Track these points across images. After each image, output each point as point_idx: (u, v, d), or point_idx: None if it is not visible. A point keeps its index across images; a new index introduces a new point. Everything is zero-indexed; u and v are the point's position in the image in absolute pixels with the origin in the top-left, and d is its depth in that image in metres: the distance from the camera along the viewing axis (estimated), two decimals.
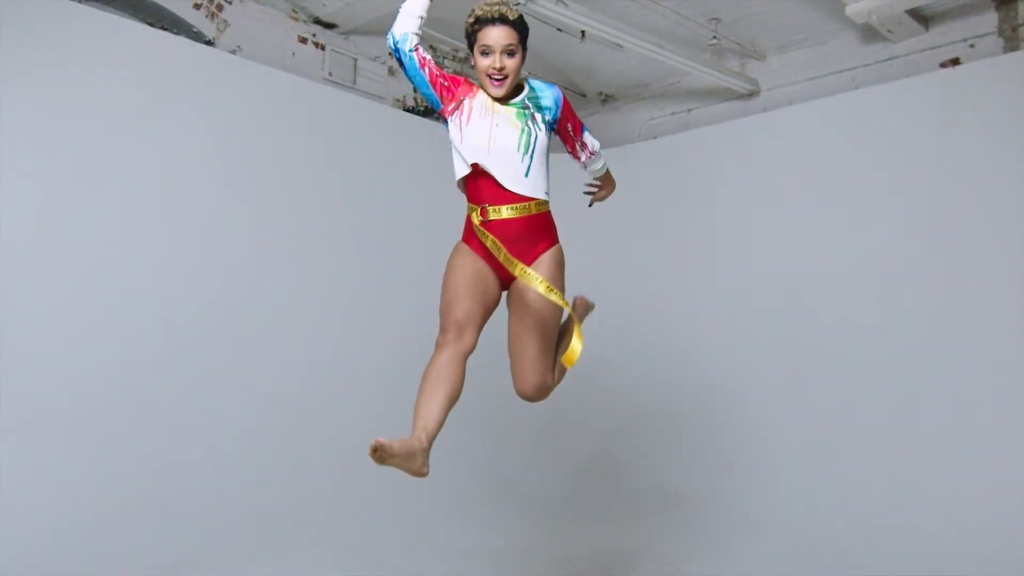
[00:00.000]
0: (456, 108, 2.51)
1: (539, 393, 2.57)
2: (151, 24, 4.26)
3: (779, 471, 4.54)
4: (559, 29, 5.19)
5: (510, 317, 2.59)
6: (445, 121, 2.56)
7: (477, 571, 3.58)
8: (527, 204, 2.50)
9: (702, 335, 5.15)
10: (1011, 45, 4.25)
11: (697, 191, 5.37)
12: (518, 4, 4.13)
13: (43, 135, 3.69)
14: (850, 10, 4.30)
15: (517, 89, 2.57)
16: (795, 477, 4.46)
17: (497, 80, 2.46)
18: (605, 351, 5.52)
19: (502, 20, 2.45)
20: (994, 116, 4.08)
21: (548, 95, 2.59)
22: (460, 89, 2.52)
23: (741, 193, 5.11)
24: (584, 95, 6.32)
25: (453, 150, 2.56)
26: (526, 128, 2.50)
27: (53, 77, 3.73)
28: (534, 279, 2.39)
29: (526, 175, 2.50)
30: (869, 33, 4.73)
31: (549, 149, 2.61)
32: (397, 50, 2.47)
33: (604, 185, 3.02)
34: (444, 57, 5.75)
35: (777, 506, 4.40)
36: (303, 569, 3.58)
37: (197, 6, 4.44)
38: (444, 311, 2.47)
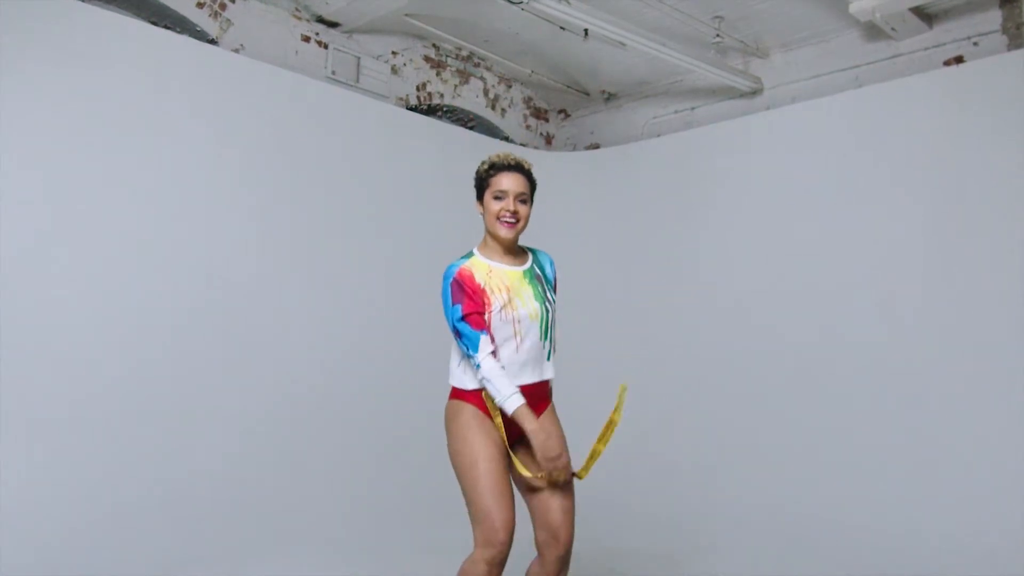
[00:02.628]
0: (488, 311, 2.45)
1: (571, 543, 2.47)
2: (154, 23, 4.27)
3: (779, 470, 4.54)
4: (562, 27, 5.19)
5: (521, 473, 2.46)
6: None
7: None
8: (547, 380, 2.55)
9: (704, 332, 5.15)
10: (1015, 43, 4.23)
11: (700, 189, 5.37)
12: (521, 3, 4.13)
13: (45, 134, 3.69)
14: (854, 8, 4.29)
15: (523, 253, 2.58)
16: (795, 477, 4.46)
17: (509, 223, 2.45)
18: (606, 348, 5.52)
19: (518, 168, 2.48)
20: (998, 114, 4.07)
21: (548, 265, 2.62)
22: (482, 297, 2.44)
23: (744, 191, 5.10)
24: (587, 93, 6.32)
25: (460, 358, 2.51)
26: (544, 311, 2.50)
27: (56, 76, 3.73)
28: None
29: (548, 358, 2.53)
30: (873, 31, 4.73)
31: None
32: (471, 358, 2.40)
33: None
34: (447, 56, 5.75)
35: (777, 506, 4.40)
36: (303, 569, 3.58)
37: (200, 5, 4.45)
38: (491, 514, 2.32)
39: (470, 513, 2.37)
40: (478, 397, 2.45)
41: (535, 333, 2.46)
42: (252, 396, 4.24)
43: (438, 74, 5.72)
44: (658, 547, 4.11)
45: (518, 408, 2.30)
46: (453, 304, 2.39)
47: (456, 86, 5.83)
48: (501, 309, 2.40)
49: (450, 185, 5.09)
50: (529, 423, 2.30)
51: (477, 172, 2.53)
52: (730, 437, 4.84)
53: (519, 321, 2.42)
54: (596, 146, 6.32)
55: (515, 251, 2.55)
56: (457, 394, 2.48)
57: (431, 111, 5.65)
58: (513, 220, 2.45)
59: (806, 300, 4.67)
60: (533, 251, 2.62)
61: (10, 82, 3.58)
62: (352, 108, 4.95)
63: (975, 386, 3.96)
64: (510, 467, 2.44)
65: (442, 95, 5.73)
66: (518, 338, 2.43)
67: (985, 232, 4.06)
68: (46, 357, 3.59)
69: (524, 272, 2.51)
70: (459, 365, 2.49)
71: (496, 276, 2.45)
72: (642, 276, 5.58)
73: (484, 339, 2.35)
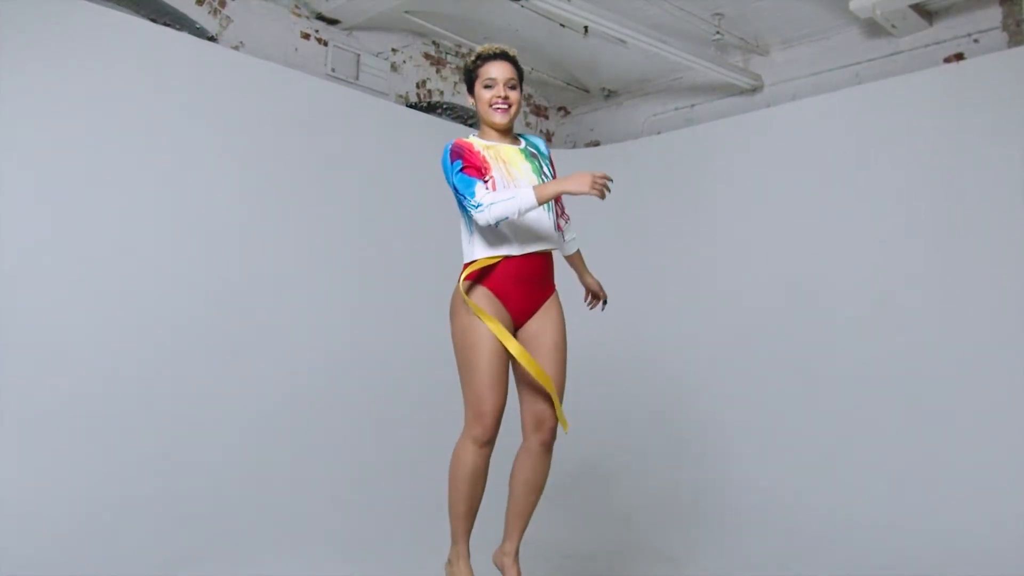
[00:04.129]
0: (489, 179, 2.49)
1: (554, 429, 2.55)
2: (154, 20, 4.26)
3: (780, 469, 4.54)
4: (562, 25, 5.19)
5: (532, 355, 2.50)
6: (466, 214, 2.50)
7: (477, 570, 3.57)
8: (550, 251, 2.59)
9: (703, 331, 5.14)
10: (1015, 40, 4.23)
11: (700, 187, 5.36)
12: (520, 0, 4.13)
13: (45, 132, 3.69)
14: (854, 5, 4.29)
15: (516, 140, 2.66)
16: (796, 476, 4.45)
17: (502, 108, 2.53)
18: (605, 347, 5.52)
19: (504, 56, 2.57)
20: (998, 111, 4.06)
21: (541, 144, 2.71)
22: (480, 162, 2.49)
23: (744, 189, 5.10)
24: (587, 91, 6.32)
25: (470, 230, 2.53)
26: (542, 179, 2.56)
27: (54, 73, 3.73)
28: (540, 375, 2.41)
29: (554, 228, 2.59)
30: (873, 28, 4.72)
31: None
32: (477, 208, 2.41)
33: (593, 288, 2.98)
34: (447, 53, 5.75)
35: (778, 505, 4.40)
36: (303, 568, 3.58)
37: (200, 2, 4.45)
38: (482, 395, 2.41)
39: (464, 392, 2.46)
40: (494, 277, 2.48)
41: (529, 175, 2.54)
42: (252, 394, 4.24)
43: (438, 71, 5.71)
44: (658, 547, 4.12)
45: (534, 193, 2.32)
46: (452, 162, 2.46)
47: (456, 83, 5.82)
48: (502, 178, 2.47)
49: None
50: (557, 185, 2.34)
51: (464, 66, 2.63)
52: (730, 435, 4.84)
53: (507, 164, 2.52)
54: (596, 143, 6.31)
55: (511, 136, 2.63)
56: (469, 275, 2.49)
57: (431, 108, 5.64)
58: (505, 105, 2.53)
59: (806, 297, 4.66)
60: (524, 136, 2.70)
61: (8, 79, 3.57)
62: (352, 105, 4.95)
63: (976, 384, 3.96)
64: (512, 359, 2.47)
65: (442, 92, 5.73)
66: (505, 174, 2.50)
67: (986, 229, 4.05)
68: (45, 355, 3.59)
69: (520, 150, 2.60)
70: (468, 239, 2.53)
71: (494, 151, 2.54)
72: (642, 273, 5.58)
73: (480, 183, 2.40)
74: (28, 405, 3.50)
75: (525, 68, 5.97)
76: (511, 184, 2.47)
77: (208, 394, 4.07)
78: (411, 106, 5.47)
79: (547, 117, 6.61)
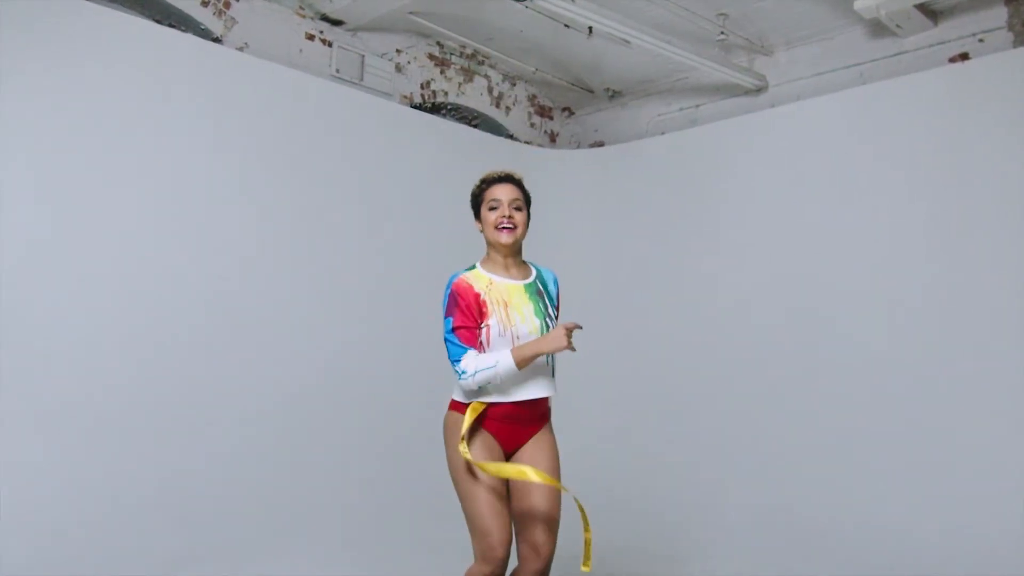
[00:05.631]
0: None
1: (551, 557, 2.46)
2: (158, 21, 4.27)
3: (780, 470, 4.53)
4: (567, 25, 5.19)
5: (515, 492, 2.47)
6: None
7: None
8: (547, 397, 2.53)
9: (708, 330, 5.14)
10: (1020, 40, 4.22)
11: (704, 186, 5.36)
12: (524, 1, 4.13)
13: (47, 132, 3.70)
14: (858, 5, 4.28)
15: (527, 268, 2.58)
16: (796, 476, 4.45)
17: (507, 228, 2.47)
18: (609, 347, 5.52)
19: (509, 179, 2.54)
20: (1003, 111, 4.05)
21: (550, 280, 2.61)
22: (481, 308, 2.44)
23: (749, 188, 5.10)
24: (591, 91, 6.32)
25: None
26: (544, 328, 2.46)
27: (60, 74, 3.74)
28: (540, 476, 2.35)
29: (551, 375, 2.52)
30: (877, 28, 4.71)
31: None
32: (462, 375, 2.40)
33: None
34: (451, 53, 5.75)
35: (778, 506, 4.40)
36: (303, 569, 3.59)
37: (205, 3, 4.46)
38: (488, 531, 2.35)
39: (469, 526, 2.41)
40: (485, 416, 2.45)
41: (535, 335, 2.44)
42: (253, 395, 4.24)
43: (442, 72, 5.72)
44: (658, 547, 4.11)
45: (513, 357, 2.32)
46: (446, 316, 2.42)
47: (460, 84, 5.83)
48: (499, 324, 2.41)
49: (454, 183, 5.06)
50: (533, 347, 2.33)
51: (472, 193, 2.58)
52: (732, 436, 4.84)
53: (518, 338, 2.41)
54: (600, 144, 6.31)
55: (518, 264, 2.55)
56: (456, 406, 2.48)
57: (435, 109, 5.65)
58: (511, 226, 2.47)
59: (810, 297, 4.66)
60: (536, 267, 2.62)
61: (12, 80, 3.58)
62: (356, 106, 4.95)
63: (977, 385, 3.95)
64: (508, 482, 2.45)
65: (446, 93, 5.73)
66: (512, 339, 2.42)
67: (989, 229, 4.04)
68: (46, 356, 3.59)
69: (525, 286, 2.51)
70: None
71: (496, 290, 2.45)
72: (646, 273, 5.58)
73: (469, 353, 2.36)
74: (28, 406, 3.51)
75: (529, 68, 6.00)
76: (508, 331, 2.40)
77: (208, 395, 4.08)
78: (415, 107, 5.47)
79: (551, 118, 6.61)
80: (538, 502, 2.43)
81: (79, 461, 3.60)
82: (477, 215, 2.55)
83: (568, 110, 6.67)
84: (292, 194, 4.55)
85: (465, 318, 2.39)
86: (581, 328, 2.39)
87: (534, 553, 2.43)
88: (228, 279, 4.23)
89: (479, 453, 2.39)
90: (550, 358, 2.49)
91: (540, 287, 2.54)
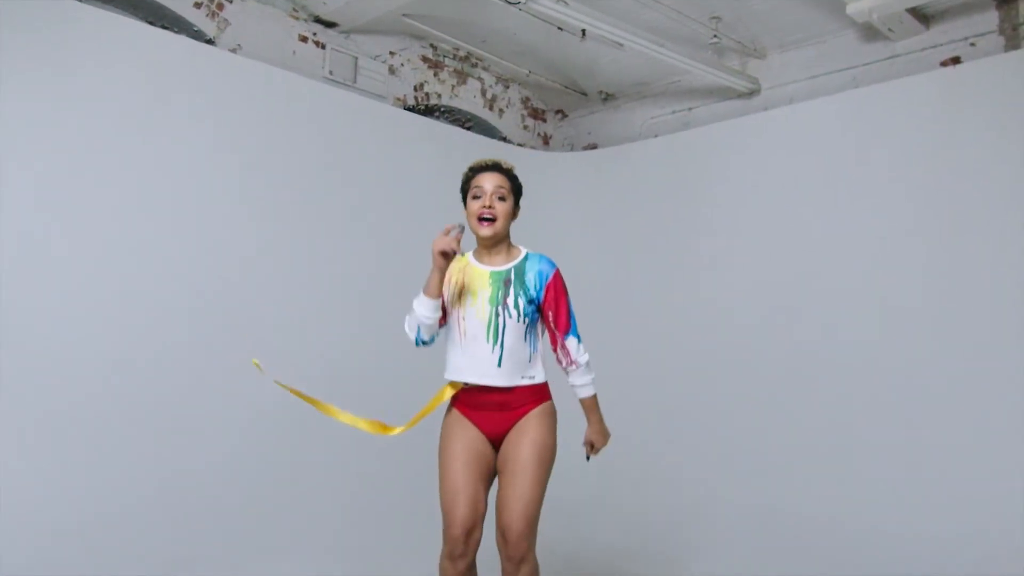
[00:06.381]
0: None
1: (521, 544, 2.39)
2: (151, 23, 4.26)
3: (779, 470, 4.54)
4: (560, 28, 5.20)
5: (500, 470, 2.51)
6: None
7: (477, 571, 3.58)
8: (504, 388, 2.48)
9: (702, 332, 5.15)
10: (1012, 44, 4.24)
11: (698, 189, 5.37)
12: (519, 3, 4.13)
13: (43, 134, 3.68)
14: (851, 9, 4.30)
15: (512, 257, 2.57)
16: (795, 477, 4.46)
17: (487, 220, 2.48)
18: (604, 349, 5.52)
19: (495, 168, 2.54)
20: (995, 115, 4.07)
21: (533, 271, 2.52)
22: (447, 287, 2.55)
23: (742, 191, 5.11)
24: (585, 94, 6.32)
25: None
26: (494, 315, 2.45)
27: (53, 76, 3.72)
28: None
29: (498, 365, 2.45)
30: (870, 32, 4.73)
31: (533, 328, 2.53)
32: (426, 344, 2.56)
33: (593, 433, 2.74)
34: (445, 56, 5.75)
35: (777, 506, 4.40)
36: (303, 569, 3.58)
37: (197, 5, 4.44)
38: (448, 510, 2.42)
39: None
40: (459, 400, 2.53)
41: (481, 335, 2.45)
42: (251, 396, 4.22)
43: (436, 74, 5.72)
44: (658, 547, 4.12)
45: (424, 297, 2.44)
46: None
47: (454, 86, 5.82)
48: (449, 305, 2.52)
49: (448, 185, 5.06)
50: (430, 272, 2.43)
51: (461, 180, 2.61)
52: (729, 437, 4.84)
53: (463, 319, 2.48)
54: (594, 146, 6.32)
55: (503, 251, 2.55)
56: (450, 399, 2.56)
57: (429, 111, 5.64)
58: (491, 217, 2.48)
59: (803, 300, 4.67)
60: (530, 255, 2.58)
61: (6, 82, 3.57)
62: (349, 108, 4.95)
63: (973, 386, 3.96)
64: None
65: (440, 95, 5.73)
66: (463, 336, 2.49)
67: (982, 232, 4.06)
68: (45, 358, 3.58)
69: (492, 273, 2.51)
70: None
71: (466, 274, 2.53)
72: (639, 276, 5.59)
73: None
74: (28, 406, 3.49)
75: (522, 71, 6.00)
76: (455, 312, 2.51)
77: (207, 397, 4.07)
78: (409, 109, 5.47)
79: (545, 120, 6.61)
80: (505, 484, 2.45)
81: (78, 462, 3.58)
82: (466, 199, 2.58)
83: (561, 113, 6.67)
84: (285, 196, 4.54)
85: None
86: (462, 228, 2.42)
87: (503, 539, 2.43)
88: (222, 281, 4.22)
89: (454, 430, 2.51)
90: (497, 349, 2.44)
91: (511, 276, 2.50)
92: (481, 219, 2.48)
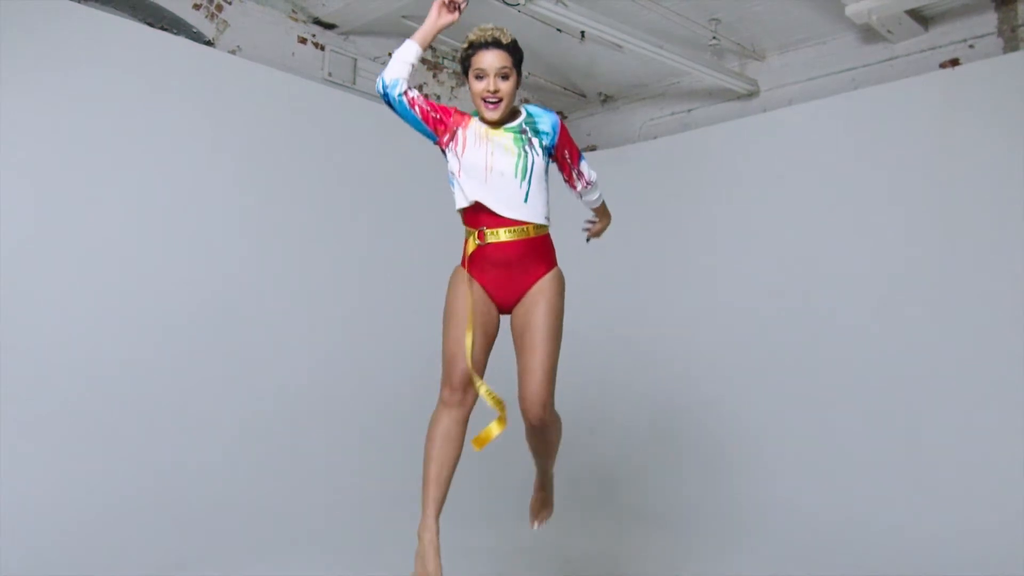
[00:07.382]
0: (451, 139, 2.52)
1: (544, 411, 2.48)
2: (151, 24, 4.26)
3: (780, 470, 4.54)
4: (559, 29, 5.19)
5: (517, 339, 2.53)
6: (443, 152, 2.57)
7: (476, 571, 3.58)
8: (525, 227, 2.49)
9: (701, 337, 5.15)
10: (1011, 45, 4.24)
11: (697, 191, 5.37)
12: (518, 5, 4.13)
13: (42, 135, 3.69)
14: (850, 10, 4.30)
15: (514, 114, 2.57)
16: (796, 476, 4.46)
17: (492, 103, 2.47)
18: (603, 353, 5.52)
19: (496, 44, 2.47)
20: (994, 116, 4.08)
21: (546, 120, 2.59)
22: (452, 119, 2.54)
23: (741, 193, 5.11)
24: (584, 95, 6.32)
25: (452, 180, 2.56)
26: (523, 153, 2.48)
27: (52, 77, 3.73)
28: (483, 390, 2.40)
29: (525, 200, 2.49)
30: (869, 33, 4.73)
31: (548, 174, 2.60)
32: (386, 94, 2.54)
33: (600, 218, 3.03)
34: (444, 58, 5.75)
35: (778, 505, 4.40)
36: (303, 569, 3.57)
37: (197, 6, 4.44)
38: (448, 362, 2.44)
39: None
40: (473, 261, 2.50)
41: (509, 172, 2.46)
42: (249, 395, 4.24)
43: (435, 76, 5.72)
44: (658, 547, 4.11)
45: (411, 42, 2.52)
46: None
47: (453, 88, 5.83)
48: (475, 137, 2.49)
49: (446, 187, 5.08)
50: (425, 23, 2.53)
51: (460, 52, 2.58)
52: (730, 436, 4.84)
53: (491, 153, 2.47)
54: (593, 148, 6.32)
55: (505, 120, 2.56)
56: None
57: None
58: (496, 99, 2.46)
59: (803, 301, 4.67)
60: (529, 111, 2.60)
61: (6, 83, 3.57)
62: (349, 110, 4.95)
63: (975, 386, 3.97)
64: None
65: (439, 97, 5.73)
66: (489, 172, 2.46)
67: (981, 234, 4.06)
68: (43, 357, 3.58)
69: (508, 127, 2.53)
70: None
71: (480, 127, 2.52)
72: (639, 277, 5.59)
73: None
74: (27, 406, 3.49)
75: (523, 73, 5.99)
76: (481, 148, 2.48)
77: (204, 396, 4.08)
78: None
79: None
80: (527, 350, 2.47)
81: (76, 462, 3.59)
82: (466, 75, 2.55)
83: (560, 114, 6.68)
84: (284, 196, 4.54)
85: (432, 106, 2.55)
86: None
87: (526, 405, 2.46)
88: (220, 280, 4.22)
89: (463, 287, 2.47)
90: (525, 185, 2.48)
91: (526, 128, 2.54)
92: (486, 101, 2.48)
